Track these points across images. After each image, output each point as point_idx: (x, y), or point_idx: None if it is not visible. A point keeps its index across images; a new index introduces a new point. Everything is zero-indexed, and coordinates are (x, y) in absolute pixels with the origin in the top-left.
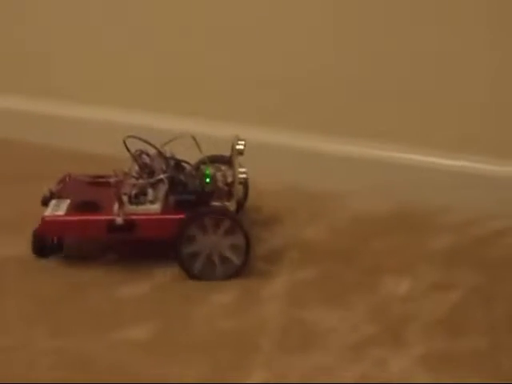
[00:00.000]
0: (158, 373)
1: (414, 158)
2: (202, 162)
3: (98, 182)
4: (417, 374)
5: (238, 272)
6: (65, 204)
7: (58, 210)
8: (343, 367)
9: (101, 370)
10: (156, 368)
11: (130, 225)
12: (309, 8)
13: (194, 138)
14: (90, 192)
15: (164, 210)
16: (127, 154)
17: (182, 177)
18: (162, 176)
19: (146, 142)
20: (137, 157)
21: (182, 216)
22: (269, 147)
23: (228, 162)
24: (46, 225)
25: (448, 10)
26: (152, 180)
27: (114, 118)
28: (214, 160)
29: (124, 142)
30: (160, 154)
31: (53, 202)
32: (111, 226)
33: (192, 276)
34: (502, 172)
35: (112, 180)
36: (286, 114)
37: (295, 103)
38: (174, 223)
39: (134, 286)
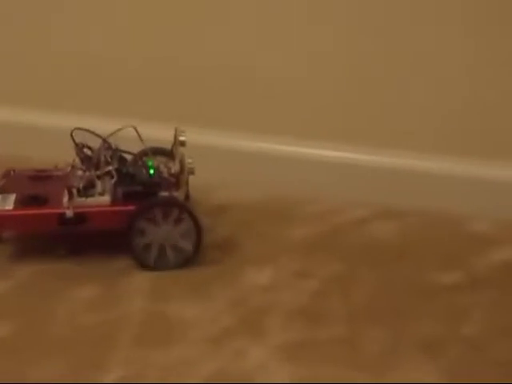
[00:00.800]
0: (15, 372)
1: (282, 148)
2: (144, 153)
3: (41, 176)
4: (275, 364)
5: (192, 259)
6: (11, 198)
7: (5, 204)
8: (202, 360)
9: None
10: (14, 367)
11: (80, 217)
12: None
13: (135, 129)
14: (35, 186)
15: (114, 202)
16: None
17: (129, 168)
18: (110, 168)
19: (92, 133)
20: (79, 149)
21: (132, 207)
22: None
23: (169, 154)
24: None
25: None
26: (99, 172)
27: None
28: (156, 151)
29: (71, 135)
30: (107, 144)
31: None
32: (62, 218)
33: (146, 267)
34: (366, 161)
35: (58, 173)
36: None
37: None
38: (125, 214)
39: None
